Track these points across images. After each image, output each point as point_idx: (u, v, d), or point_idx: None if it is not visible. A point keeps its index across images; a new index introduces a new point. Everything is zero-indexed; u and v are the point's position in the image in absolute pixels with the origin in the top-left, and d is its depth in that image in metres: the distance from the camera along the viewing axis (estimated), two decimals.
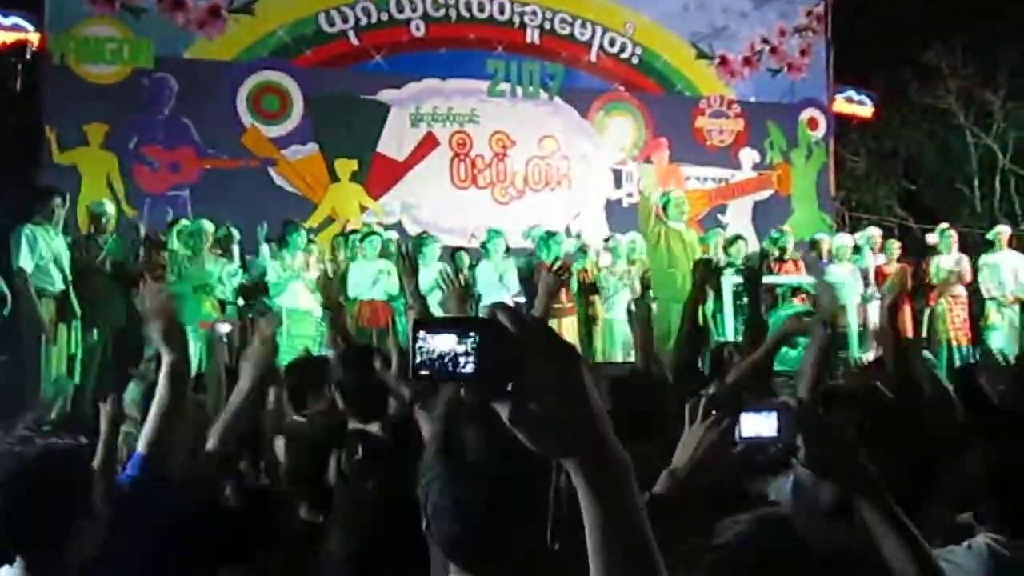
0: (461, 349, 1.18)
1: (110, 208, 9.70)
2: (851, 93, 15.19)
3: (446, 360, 1.18)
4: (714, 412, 2.01)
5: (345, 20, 12.53)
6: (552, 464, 1.26)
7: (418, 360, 1.20)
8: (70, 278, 8.88)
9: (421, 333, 1.20)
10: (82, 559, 2.25)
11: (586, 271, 11.14)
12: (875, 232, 12.67)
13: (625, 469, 1.20)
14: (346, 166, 12.33)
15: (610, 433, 1.20)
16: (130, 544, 2.38)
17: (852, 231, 15.43)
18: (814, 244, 12.29)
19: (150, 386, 3.85)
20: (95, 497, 2.31)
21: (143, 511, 2.52)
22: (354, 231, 11.18)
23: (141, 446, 2.70)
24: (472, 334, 1.18)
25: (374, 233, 10.64)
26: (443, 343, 1.18)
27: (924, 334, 11.78)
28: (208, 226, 9.82)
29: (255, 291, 10.11)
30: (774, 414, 1.88)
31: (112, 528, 2.31)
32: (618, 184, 13.48)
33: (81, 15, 11.48)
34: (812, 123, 14.41)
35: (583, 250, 11.56)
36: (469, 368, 1.17)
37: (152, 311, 2.85)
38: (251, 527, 2.31)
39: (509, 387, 1.17)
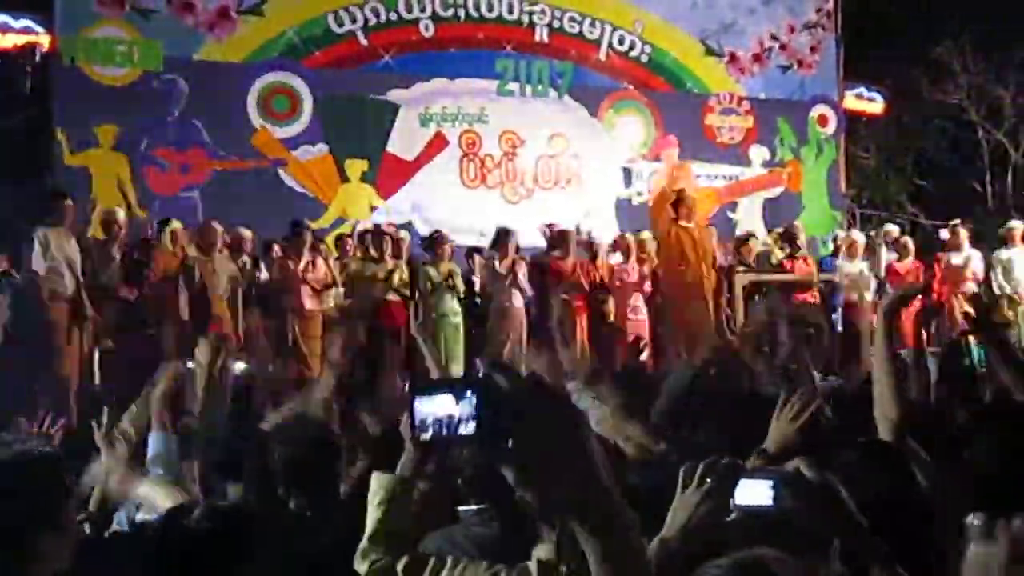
0: (459, 411, 1.15)
1: (122, 216, 9.68)
2: (861, 90, 15.14)
3: (445, 423, 1.16)
4: (710, 479, 1.93)
5: (354, 20, 12.54)
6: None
7: (417, 423, 1.18)
8: (82, 280, 8.88)
9: (417, 398, 1.18)
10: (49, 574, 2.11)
11: (596, 269, 11.10)
12: (891, 229, 12.61)
13: (629, 524, 1.19)
14: (356, 166, 12.34)
15: (613, 489, 1.18)
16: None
17: (863, 228, 15.41)
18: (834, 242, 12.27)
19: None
20: (66, 511, 2.18)
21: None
22: (365, 231, 11.18)
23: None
24: (468, 394, 1.15)
25: (385, 233, 10.64)
26: (440, 406, 1.16)
27: (934, 331, 11.73)
28: (218, 227, 9.82)
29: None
30: (770, 482, 1.84)
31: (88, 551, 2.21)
32: (628, 182, 13.46)
33: (91, 17, 11.51)
34: (822, 120, 14.38)
35: (593, 249, 11.52)
36: (469, 429, 1.15)
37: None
38: (221, 546, 2.24)
39: (509, 445, 1.14)
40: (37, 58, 11.45)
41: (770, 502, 1.82)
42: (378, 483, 2.24)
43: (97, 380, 9.00)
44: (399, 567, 2.17)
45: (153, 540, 2.29)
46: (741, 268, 11.04)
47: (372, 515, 2.22)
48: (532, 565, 1.95)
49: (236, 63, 12.07)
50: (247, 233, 10.38)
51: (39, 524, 2.09)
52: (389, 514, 2.19)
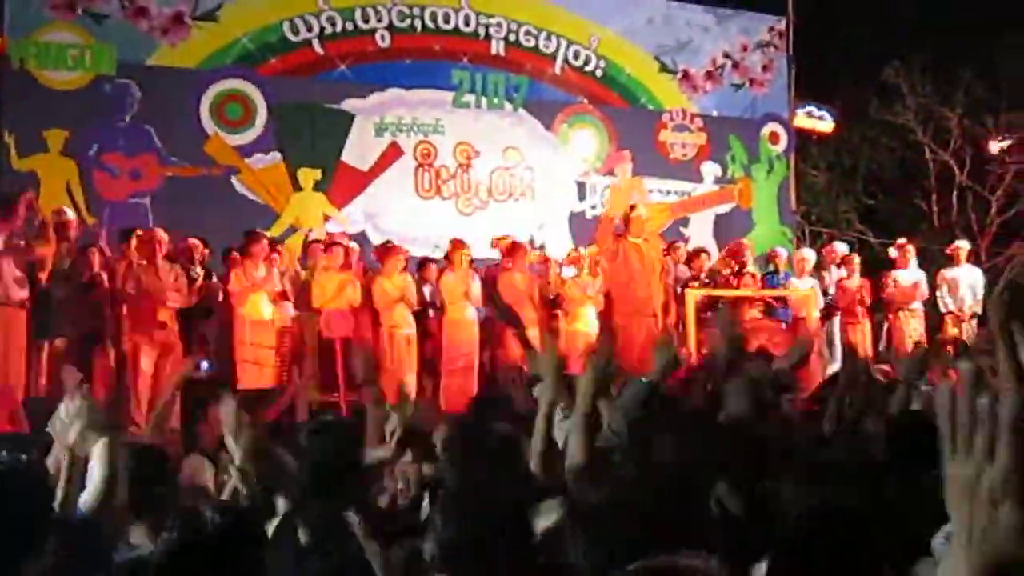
0: None
1: (72, 215, 9.57)
2: (812, 108, 15.35)
3: None
4: None
5: (310, 29, 12.49)
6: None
7: None
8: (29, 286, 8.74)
9: None
10: None
11: (549, 283, 11.14)
12: (839, 247, 12.79)
13: None
14: (309, 175, 12.27)
15: None
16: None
17: (812, 245, 15.61)
18: (771, 258, 12.36)
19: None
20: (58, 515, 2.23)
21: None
22: (317, 241, 11.13)
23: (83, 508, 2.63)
24: None
25: (337, 243, 10.60)
26: None
27: (882, 348, 11.91)
28: (162, 235, 9.68)
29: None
30: None
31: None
32: (581, 196, 13.52)
33: (42, 20, 11.35)
34: (773, 137, 14.53)
35: (546, 262, 11.56)
36: None
37: (92, 427, 2.74)
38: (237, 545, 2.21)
39: None
40: None
41: None
42: None
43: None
44: None
45: (167, 541, 2.25)
46: (694, 284, 11.13)
47: None
48: None
49: (190, 69, 11.96)
50: (196, 241, 10.30)
51: (42, 529, 2.15)
52: None
